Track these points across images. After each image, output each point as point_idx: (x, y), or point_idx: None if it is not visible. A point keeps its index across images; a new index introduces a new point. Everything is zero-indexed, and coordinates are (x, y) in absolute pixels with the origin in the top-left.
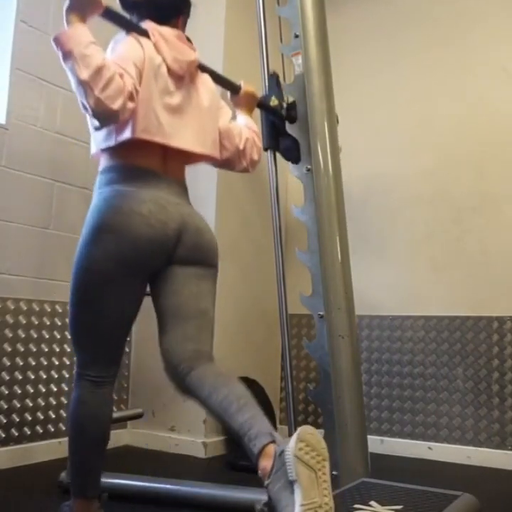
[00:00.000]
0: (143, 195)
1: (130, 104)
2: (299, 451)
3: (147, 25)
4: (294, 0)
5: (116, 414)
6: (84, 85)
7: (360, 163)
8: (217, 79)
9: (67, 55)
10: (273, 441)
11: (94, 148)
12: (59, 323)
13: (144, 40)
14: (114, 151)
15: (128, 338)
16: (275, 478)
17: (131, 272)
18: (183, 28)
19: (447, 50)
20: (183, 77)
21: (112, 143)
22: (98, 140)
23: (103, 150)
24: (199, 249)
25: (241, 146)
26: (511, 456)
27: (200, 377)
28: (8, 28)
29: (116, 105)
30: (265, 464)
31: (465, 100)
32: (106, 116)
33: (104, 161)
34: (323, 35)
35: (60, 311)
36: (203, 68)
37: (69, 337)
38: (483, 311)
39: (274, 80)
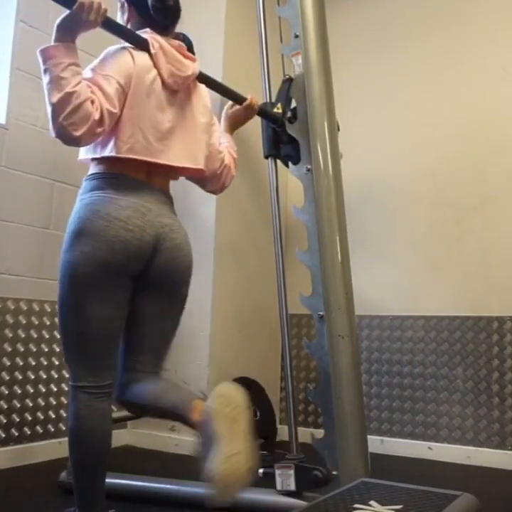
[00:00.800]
0: (123, 201)
1: (98, 129)
2: (218, 405)
3: (147, 35)
4: (294, 0)
5: (116, 415)
6: (52, 108)
7: (360, 163)
8: (221, 90)
9: (45, 73)
10: (200, 399)
11: (82, 155)
12: None
13: (138, 53)
14: (100, 161)
15: None
16: (202, 431)
17: (110, 275)
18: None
19: (447, 50)
20: (178, 91)
21: (96, 155)
22: (84, 148)
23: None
24: (174, 266)
25: (218, 171)
26: (511, 456)
27: (141, 386)
28: (8, 28)
29: (78, 132)
30: (196, 417)
31: (465, 101)
32: (67, 141)
33: (90, 169)
34: (323, 35)
35: None
36: (206, 79)
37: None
38: (483, 311)
39: (287, 85)
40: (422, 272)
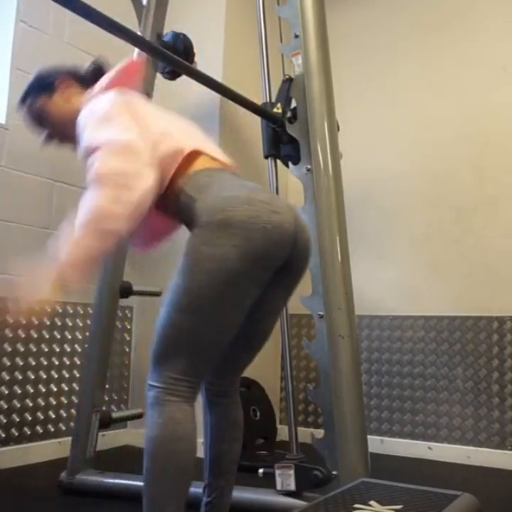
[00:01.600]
0: (250, 183)
1: (154, 180)
2: None
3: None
4: (294, 0)
5: (116, 414)
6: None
7: (360, 163)
8: (221, 90)
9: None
10: None
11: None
12: (59, 323)
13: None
14: (174, 182)
15: (128, 338)
16: None
17: (261, 269)
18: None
19: (447, 50)
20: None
21: (166, 180)
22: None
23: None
24: (307, 251)
25: None
26: (511, 456)
27: (221, 415)
28: (8, 28)
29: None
30: None
31: (465, 100)
32: (140, 206)
33: (183, 185)
34: (323, 35)
35: (60, 311)
36: (206, 79)
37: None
38: (483, 311)
39: (287, 85)
40: (422, 271)
